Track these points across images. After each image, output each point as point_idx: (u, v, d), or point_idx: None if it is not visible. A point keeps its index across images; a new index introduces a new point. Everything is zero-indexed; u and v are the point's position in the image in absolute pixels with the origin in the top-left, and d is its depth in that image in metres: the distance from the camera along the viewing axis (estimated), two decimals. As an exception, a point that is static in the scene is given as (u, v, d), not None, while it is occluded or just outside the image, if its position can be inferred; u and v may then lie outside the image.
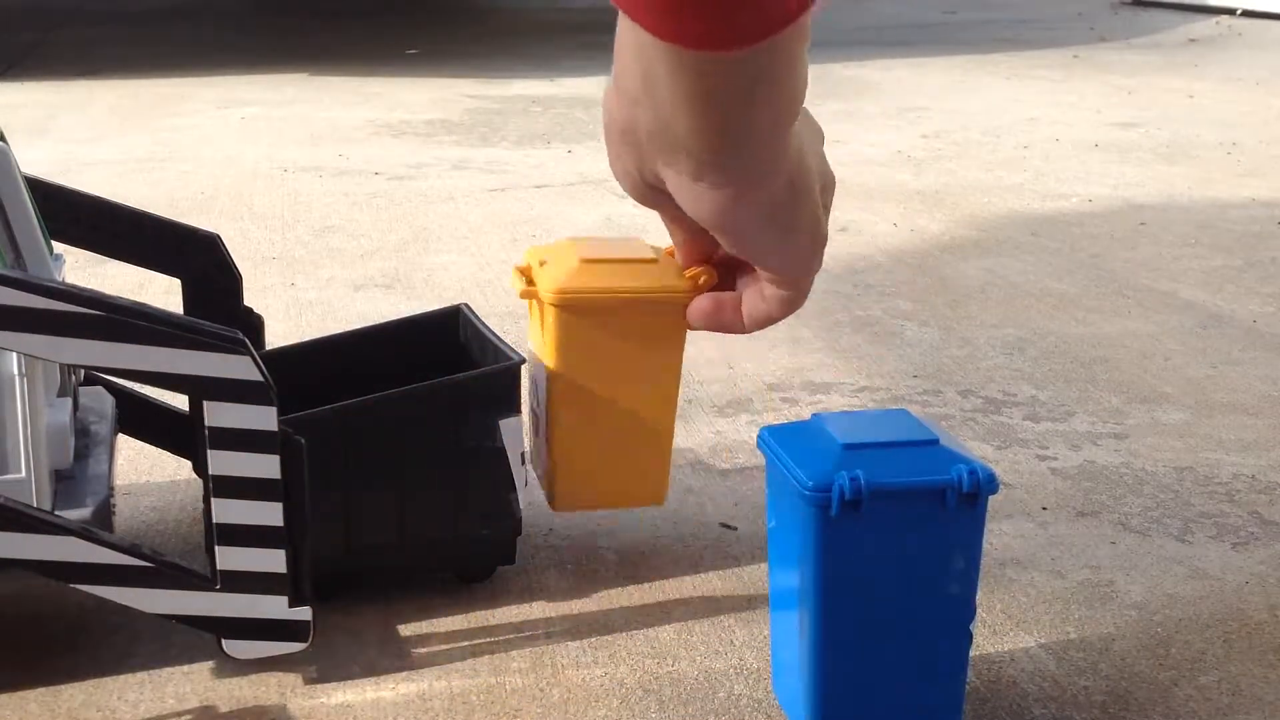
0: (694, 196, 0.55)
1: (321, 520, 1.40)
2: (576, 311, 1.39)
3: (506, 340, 1.52)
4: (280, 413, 1.24)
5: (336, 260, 2.81)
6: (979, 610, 1.41)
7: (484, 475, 1.44)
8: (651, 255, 1.41)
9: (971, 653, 1.22)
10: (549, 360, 1.42)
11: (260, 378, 1.21)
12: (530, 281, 1.42)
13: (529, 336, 1.45)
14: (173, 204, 3.26)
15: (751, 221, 0.56)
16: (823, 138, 0.62)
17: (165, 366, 1.18)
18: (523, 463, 1.45)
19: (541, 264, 1.44)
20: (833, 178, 0.62)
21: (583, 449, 1.47)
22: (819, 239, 0.61)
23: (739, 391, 2.09)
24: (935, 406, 2.04)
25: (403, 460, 1.43)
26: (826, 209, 0.61)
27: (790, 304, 0.65)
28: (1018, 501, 1.72)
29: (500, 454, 1.43)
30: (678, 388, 1.44)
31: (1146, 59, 5.85)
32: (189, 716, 1.28)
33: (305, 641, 1.29)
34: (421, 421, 1.42)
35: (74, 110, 4.63)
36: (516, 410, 1.43)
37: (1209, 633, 1.42)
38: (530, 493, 1.50)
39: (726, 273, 0.71)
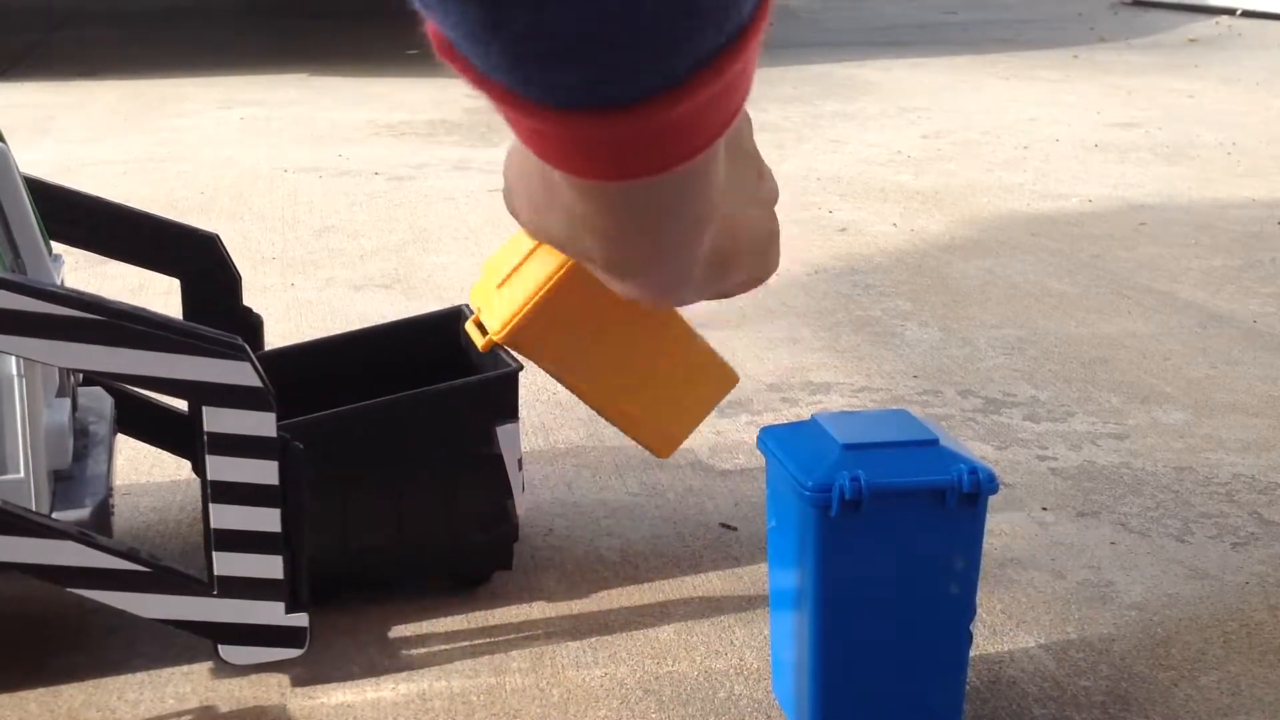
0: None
1: (320, 524, 1.40)
2: (529, 329, 1.38)
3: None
4: (280, 414, 1.24)
5: (336, 260, 2.81)
6: (979, 610, 1.41)
7: (481, 480, 1.44)
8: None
9: (971, 653, 1.22)
10: (551, 374, 1.41)
11: (259, 383, 1.20)
12: (484, 331, 1.44)
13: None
14: (173, 204, 3.26)
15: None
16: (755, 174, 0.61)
17: (164, 371, 1.18)
18: (519, 468, 1.45)
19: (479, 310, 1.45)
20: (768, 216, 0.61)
21: (638, 402, 1.42)
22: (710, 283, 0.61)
23: (739, 391, 2.09)
24: (935, 406, 2.03)
25: (401, 465, 1.43)
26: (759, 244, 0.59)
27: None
28: (1018, 501, 1.72)
29: (497, 459, 1.43)
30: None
31: (1146, 59, 5.85)
32: (189, 716, 1.28)
33: (301, 647, 1.29)
34: (420, 426, 1.42)
35: (74, 110, 4.63)
36: (514, 416, 1.43)
37: (1209, 633, 1.42)
38: (527, 497, 1.50)
39: None
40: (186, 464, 1.73)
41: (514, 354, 1.49)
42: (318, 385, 1.56)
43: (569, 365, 1.40)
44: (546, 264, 1.39)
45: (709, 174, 0.49)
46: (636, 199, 0.47)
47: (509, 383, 1.43)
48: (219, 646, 1.28)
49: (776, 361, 2.22)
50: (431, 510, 1.44)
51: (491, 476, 1.44)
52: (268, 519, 1.24)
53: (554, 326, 1.42)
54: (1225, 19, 7.14)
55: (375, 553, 1.44)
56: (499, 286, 1.43)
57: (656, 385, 1.45)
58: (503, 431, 1.42)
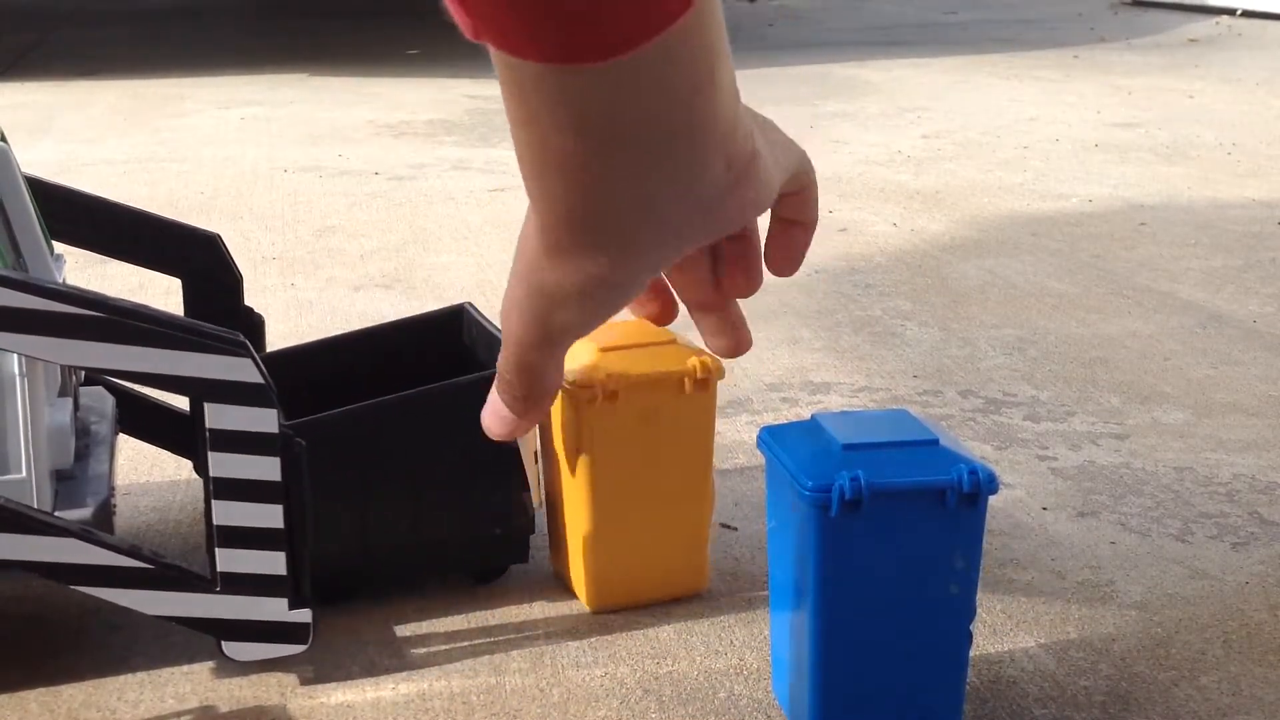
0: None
1: (337, 522, 1.41)
2: (599, 400, 1.38)
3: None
4: (287, 414, 1.24)
5: (336, 260, 2.81)
6: (979, 610, 1.41)
7: (498, 475, 1.45)
8: (667, 336, 1.42)
9: (971, 653, 1.22)
10: (571, 453, 1.41)
11: (261, 380, 1.21)
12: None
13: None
14: (173, 204, 3.26)
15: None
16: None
17: (166, 368, 1.18)
18: (535, 461, 1.46)
19: None
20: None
21: (614, 546, 1.43)
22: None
23: (739, 391, 2.09)
24: (935, 406, 2.04)
25: (418, 461, 1.43)
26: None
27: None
28: (1018, 501, 1.72)
29: (514, 454, 1.44)
30: (710, 470, 1.45)
31: (1146, 59, 5.85)
32: (189, 716, 1.28)
33: (305, 644, 1.29)
34: (436, 422, 1.42)
35: (74, 110, 4.63)
36: None
37: (1209, 633, 1.42)
38: (541, 492, 1.50)
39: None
40: (187, 464, 1.73)
41: None
42: (322, 385, 1.56)
43: (591, 460, 1.39)
44: (658, 362, 1.45)
45: (699, 50, 0.36)
46: (601, 98, 0.35)
47: None
48: (222, 643, 1.28)
49: (776, 361, 2.22)
50: (448, 505, 1.45)
51: (508, 470, 1.44)
52: (270, 515, 1.24)
53: (621, 414, 1.42)
54: (1225, 19, 7.14)
55: (394, 550, 1.45)
56: (602, 349, 1.42)
57: (637, 542, 1.43)
58: None
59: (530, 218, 0.41)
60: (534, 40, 0.34)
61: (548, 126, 0.36)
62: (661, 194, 0.38)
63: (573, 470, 1.41)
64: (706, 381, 1.41)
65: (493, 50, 0.35)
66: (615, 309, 0.42)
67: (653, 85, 0.35)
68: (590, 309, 0.42)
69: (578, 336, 0.44)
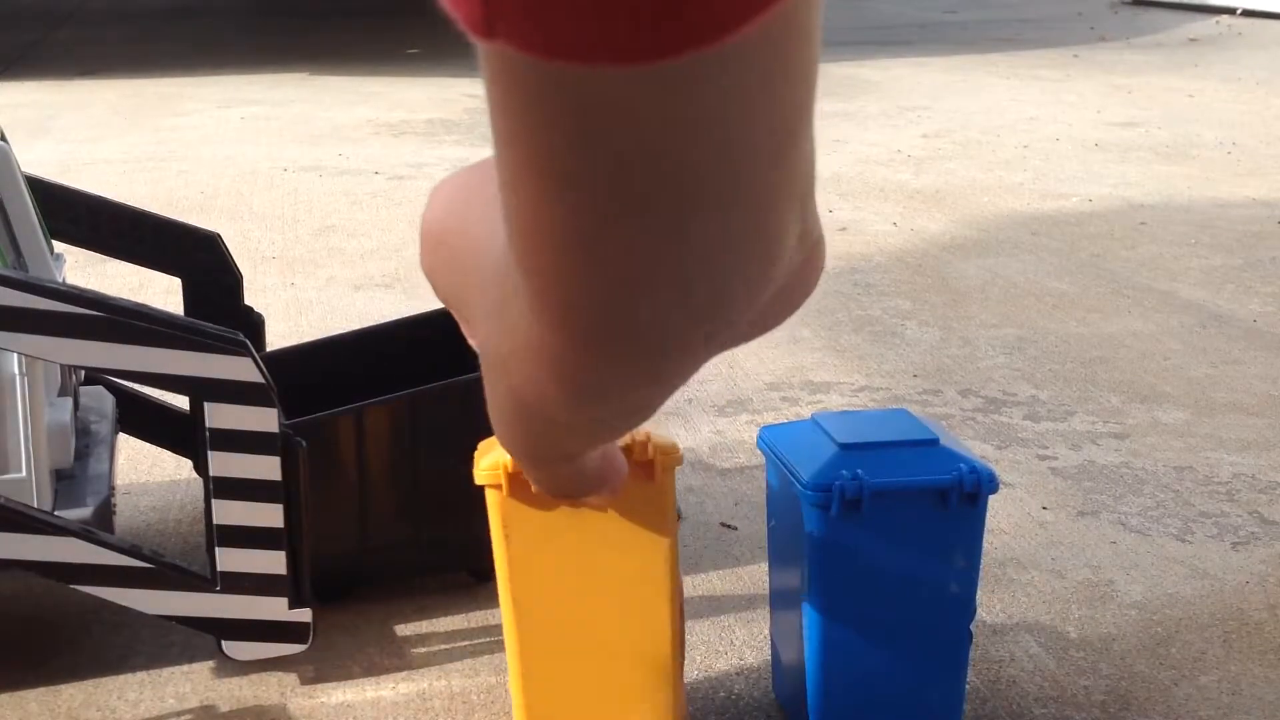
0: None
1: (336, 522, 1.41)
2: (526, 495, 1.10)
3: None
4: (287, 413, 1.24)
5: (336, 260, 2.81)
6: (979, 610, 1.41)
7: None
8: None
9: (971, 653, 1.22)
10: (498, 567, 1.12)
11: (261, 379, 1.21)
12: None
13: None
14: (173, 203, 3.26)
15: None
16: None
17: (166, 368, 1.18)
18: None
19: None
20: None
21: (555, 682, 1.14)
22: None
23: (739, 391, 2.09)
24: (935, 406, 2.04)
25: (417, 460, 1.43)
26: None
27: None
28: (1018, 501, 1.72)
29: None
30: (674, 582, 1.11)
31: (1147, 59, 5.85)
32: (189, 716, 1.28)
33: (305, 643, 1.29)
34: (436, 422, 1.42)
35: (74, 110, 4.63)
36: None
37: (1209, 633, 1.42)
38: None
39: None
40: (186, 463, 1.73)
41: None
42: (323, 384, 1.56)
43: (518, 572, 1.12)
44: None
45: (805, 42, 0.24)
46: (677, 114, 0.23)
47: None
48: (222, 642, 1.28)
49: (776, 361, 2.22)
50: (449, 506, 1.45)
51: None
52: (270, 514, 1.24)
53: (556, 514, 1.11)
54: (1225, 18, 7.14)
55: (393, 547, 1.45)
56: None
57: (585, 677, 1.15)
58: None
59: (514, 327, 0.29)
60: (608, 26, 0.21)
61: (590, 174, 0.24)
62: (735, 272, 0.26)
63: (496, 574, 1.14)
64: (651, 465, 1.06)
65: (508, 53, 0.22)
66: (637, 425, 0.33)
67: (752, 89, 0.23)
68: (611, 435, 0.33)
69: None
